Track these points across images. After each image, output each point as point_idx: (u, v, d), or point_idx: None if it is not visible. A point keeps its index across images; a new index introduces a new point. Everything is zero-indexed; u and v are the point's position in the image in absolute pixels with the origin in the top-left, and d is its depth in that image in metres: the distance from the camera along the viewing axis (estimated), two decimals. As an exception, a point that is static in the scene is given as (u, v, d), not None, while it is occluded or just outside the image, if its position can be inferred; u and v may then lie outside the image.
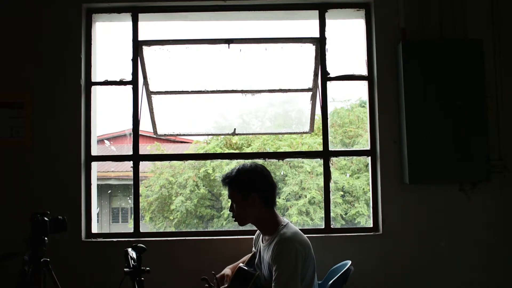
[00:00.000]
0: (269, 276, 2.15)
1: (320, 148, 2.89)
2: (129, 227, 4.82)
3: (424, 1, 2.81)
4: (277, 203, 2.29)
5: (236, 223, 2.26)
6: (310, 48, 2.82)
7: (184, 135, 3.31)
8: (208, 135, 7.43)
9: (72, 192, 2.75)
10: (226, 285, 2.24)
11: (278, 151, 7.57)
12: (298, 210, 7.63)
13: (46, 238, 2.06)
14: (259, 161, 2.90)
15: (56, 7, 2.80)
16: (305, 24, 3.13)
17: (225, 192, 2.36)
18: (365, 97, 2.91)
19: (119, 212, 9.80)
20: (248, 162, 2.30)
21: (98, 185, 2.98)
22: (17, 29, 2.80)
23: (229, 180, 2.23)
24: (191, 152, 8.10)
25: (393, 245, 2.73)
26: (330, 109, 2.87)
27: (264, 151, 7.71)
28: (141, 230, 2.82)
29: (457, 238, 2.74)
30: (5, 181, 2.74)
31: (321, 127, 2.92)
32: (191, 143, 9.39)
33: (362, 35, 2.92)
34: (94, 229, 2.83)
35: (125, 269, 1.94)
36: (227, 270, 2.38)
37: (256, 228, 2.34)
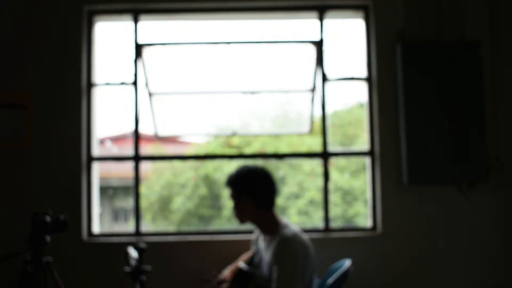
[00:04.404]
0: (269, 276, 2.17)
1: (320, 149, 2.90)
2: (130, 227, 4.82)
3: (423, 3, 2.83)
4: (276, 204, 2.31)
5: (238, 220, 2.31)
6: (310, 50, 2.84)
7: (184, 136, 3.33)
8: (208, 135, 7.44)
9: (73, 193, 2.76)
10: (226, 286, 2.26)
11: (277, 151, 7.58)
12: (297, 210, 7.65)
13: (47, 238, 2.08)
14: (260, 162, 2.92)
15: (58, 8, 2.82)
16: (306, 24, 3.14)
17: (225, 192, 2.41)
18: (364, 98, 2.93)
19: (121, 212, 9.82)
20: (251, 164, 2.35)
21: (99, 185, 2.99)
22: (18, 30, 2.82)
23: (228, 180, 2.29)
24: (192, 153, 8.11)
25: (392, 245, 2.74)
26: (329, 110, 2.89)
27: (264, 152, 7.72)
28: (142, 230, 2.84)
29: (456, 238, 2.75)
30: (6, 181, 2.76)
31: (320, 128, 2.93)
32: (191, 144, 9.39)
33: (361, 37, 2.94)
34: (96, 229, 2.85)
35: (126, 269, 1.96)
36: (226, 273, 2.39)
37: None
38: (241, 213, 2.26)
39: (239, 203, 2.25)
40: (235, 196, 2.26)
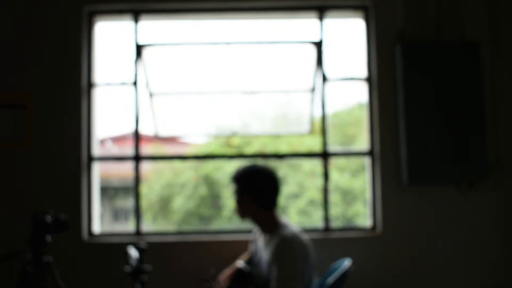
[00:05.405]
0: (268, 276, 2.17)
1: (319, 149, 2.90)
2: (131, 227, 4.80)
3: (423, 3, 2.83)
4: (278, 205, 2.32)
5: (238, 216, 2.33)
6: (310, 50, 2.84)
7: (184, 136, 3.34)
8: (208, 135, 7.44)
9: (73, 193, 2.76)
10: (225, 286, 2.26)
11: (277, 151, 7.58)
12: (297, 210, 7.65)
13: (48, 238, 2.08)
14: (260, 162, 2.92)
15: (58, 9, 2.82)
16: (306, 24, 3.15)
17: (226, 192, 2.43)
18: (364, 98, 2.93)
19: (121, 212, 9.83)
20: (260, 163, 2.36)
21: (100, 185, 2.99)
22: (18, 30, 2.82)
23: (234, 176, 2.32)
24: (192, 153, 8.11)
25: (392, 245, 2.75)
26: (329, 110, 2.90)
27: (264, 152, 7.71)
28: (142, 230, 2.84)
29: (456, 238, 2.75)
30: (6, 181, 2.76)
31: (320, 128, 2.93)
32: (191, 144, 9.40)
33: (361, 37, 2.94)
34: (96, 228, 2.85)
35: (126, 269, 1.96)
36: (224, 275, 2.40)
37: (256, 227, 2.37)
38: (242, 210, 2.29)
39: (241, 200, 2.27)
40: (238, 192, 2.28)
